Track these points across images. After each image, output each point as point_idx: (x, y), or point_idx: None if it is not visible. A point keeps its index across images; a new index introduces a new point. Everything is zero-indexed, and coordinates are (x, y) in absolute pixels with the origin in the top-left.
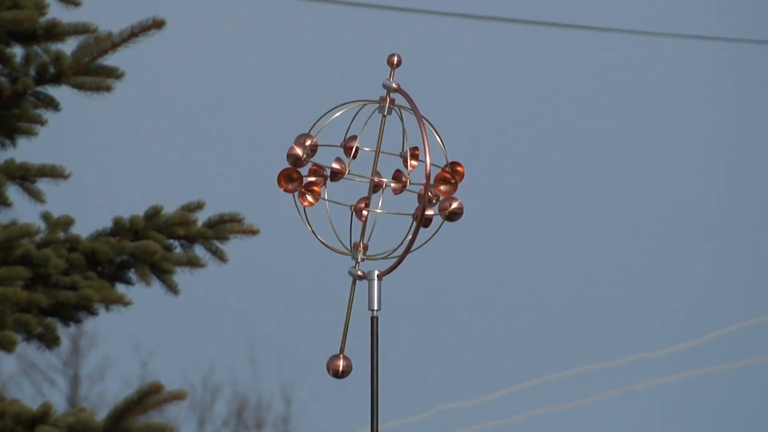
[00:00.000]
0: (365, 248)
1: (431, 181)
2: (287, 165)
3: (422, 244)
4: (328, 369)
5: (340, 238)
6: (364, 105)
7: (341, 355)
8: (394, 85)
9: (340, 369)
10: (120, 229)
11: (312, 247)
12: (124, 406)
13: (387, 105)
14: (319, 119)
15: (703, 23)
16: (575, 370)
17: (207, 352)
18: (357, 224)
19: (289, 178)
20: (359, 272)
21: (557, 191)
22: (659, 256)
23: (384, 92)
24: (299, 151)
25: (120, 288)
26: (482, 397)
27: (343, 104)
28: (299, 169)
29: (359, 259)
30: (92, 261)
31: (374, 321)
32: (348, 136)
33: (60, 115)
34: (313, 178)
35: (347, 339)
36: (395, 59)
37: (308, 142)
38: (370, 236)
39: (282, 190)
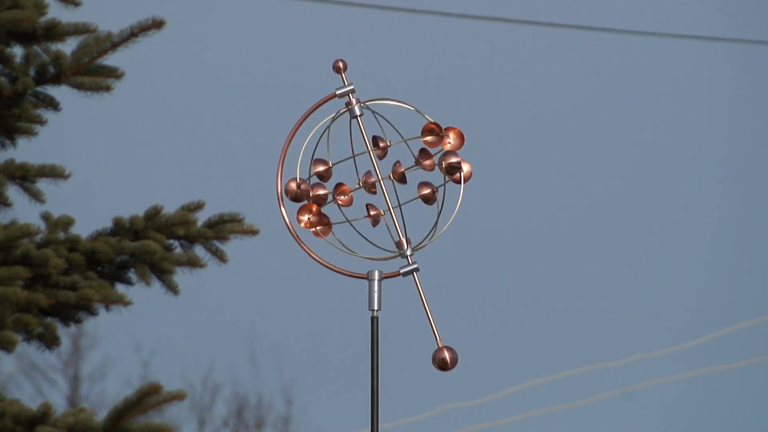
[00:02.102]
0: (409, 241)
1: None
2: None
3: (454, 215)
4: (434, 362)
5: (378, 245)
6: (337, 116)
7: (443, 347)
8: (350, 87)
9: (448, 360)
10: (120, 229)
11: (312, 246)
12: (123, 407)
13: (355, 106)
14: (314, 156)
15: (703, 23)
16: (575, 370)
17: (207, 352)
18: (370, 228)
19: (307, 210)
20: (410, 267)
21: (557, 191)
22: (660, 256)
23: (345, 102)
24: (293, 186)
25: (120, 288)
26: (482, 397)
27: (317, 127)
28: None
29: (409, 254)
30: (92, 261)
31: (374, 321)
32: (363, 173)
33: (60, 115)
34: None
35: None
36: (341, 65)
37: (325, 190)
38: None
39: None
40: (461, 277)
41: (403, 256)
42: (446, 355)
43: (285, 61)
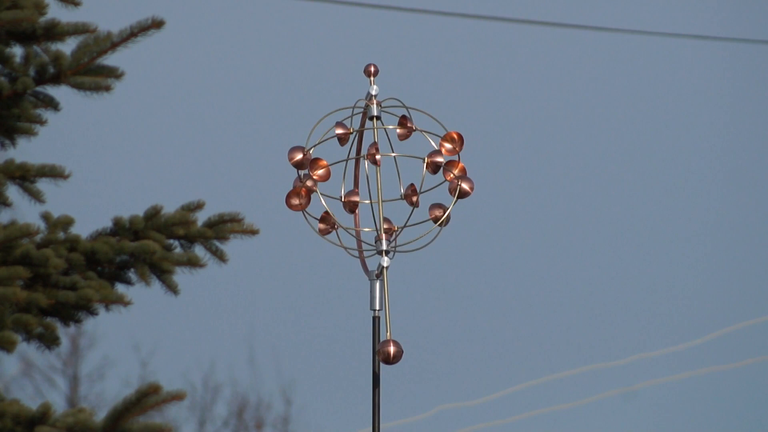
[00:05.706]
0: (388, 237)
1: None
2: (287, 164)
3: (444, 217)
4: (379, 354)
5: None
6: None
7: (391, 340)
8: (374, 91)
9: (391, 354)
10: (120, 229)
11: (312, 246)
12: (122, 407)
13: (375, 106)
14: (322, 140)
15: (703, 23)
16: (575, 370)
17: (207, 352)
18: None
19: (297, 195)
20: (382, 266)
21: (556, 191)
22: (659, 255)
23: (365, 105)
24: (299, 155)
25: (120, 288)
26: (482, 397)
27: (335, 112)
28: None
29: (384, 249)
30: (92, 261)
31: (375, 321)
32: (346, 191)
33: (60, 115)
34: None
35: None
36: (372, 69)
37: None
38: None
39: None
40: (460, 277)
41: (379, 251)
42: (390, 348)
43: (285, 61)
